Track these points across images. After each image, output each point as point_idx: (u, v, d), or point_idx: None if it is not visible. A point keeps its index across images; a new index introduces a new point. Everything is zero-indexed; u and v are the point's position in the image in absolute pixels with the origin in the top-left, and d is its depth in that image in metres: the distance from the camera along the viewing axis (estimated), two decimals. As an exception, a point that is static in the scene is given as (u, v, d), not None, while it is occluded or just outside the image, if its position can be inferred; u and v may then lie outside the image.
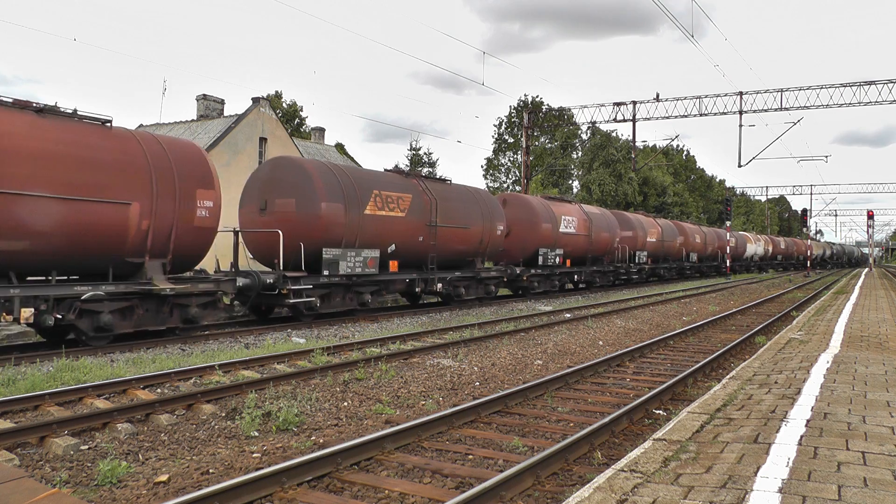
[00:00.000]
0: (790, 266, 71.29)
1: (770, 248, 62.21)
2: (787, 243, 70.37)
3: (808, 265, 59.60)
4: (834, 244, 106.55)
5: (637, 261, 32.76)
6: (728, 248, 45.94)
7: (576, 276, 26.97)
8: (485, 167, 68.89)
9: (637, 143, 37.20)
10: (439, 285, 18.38)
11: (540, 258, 23.78)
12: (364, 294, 16.17)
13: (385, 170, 18.26)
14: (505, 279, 22.04)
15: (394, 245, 16.73)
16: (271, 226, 14.74)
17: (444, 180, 20.02)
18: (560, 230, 25.01)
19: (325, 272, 14.76)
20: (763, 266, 61.56)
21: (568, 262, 25.70)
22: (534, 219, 23.75)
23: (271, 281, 13.92)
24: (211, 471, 5.55)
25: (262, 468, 5.36)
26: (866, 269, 63.43)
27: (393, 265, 16.87)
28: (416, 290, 17.71)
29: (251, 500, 4.79)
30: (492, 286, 21.19)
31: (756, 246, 56.77)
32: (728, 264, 43.91)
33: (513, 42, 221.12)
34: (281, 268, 14.31)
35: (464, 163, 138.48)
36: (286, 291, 14.03)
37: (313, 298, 14.63)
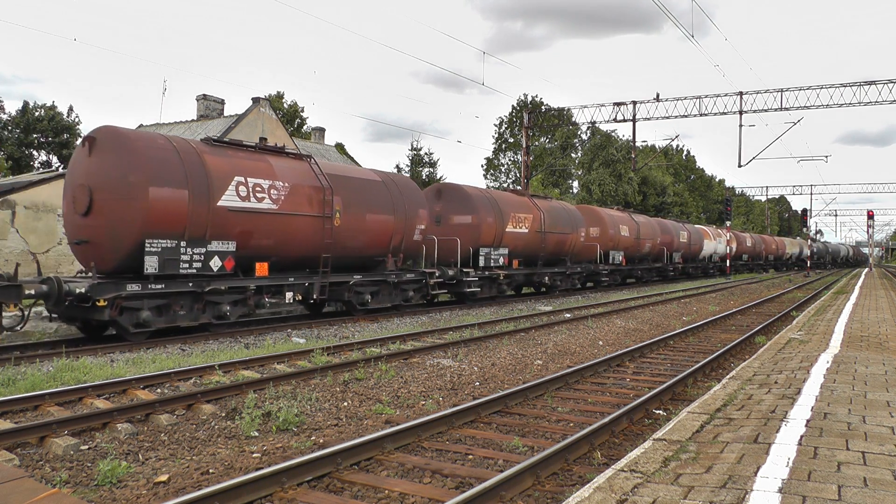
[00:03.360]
0: (757, 268, 60.58)
1: (734, 246, 51.12)
2: (754, 240, 58.04)
3: (808, 265, 59.53)
4: (815, 242, 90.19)
5: (487, 264, 20.47)
6: (676, 244, 37.30)
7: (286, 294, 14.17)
8: (485, 167, 69.04)
9: (637, 143, 37.14)
10: None
11: (146, 260, 11.58)
12: None
13: None
14: None
15: None
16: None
17: None
18: (222, 202, 12.57)
19: None
20: (724, 268, 49.41)
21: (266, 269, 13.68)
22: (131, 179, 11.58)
23: None
24: (211, 471, 5.55)
25: (262, 468, 5.36)
26: (866, 270, 63.46)
27: None
28: None
29: (251, 500, 4.79)
30: None
31: (715, 243, 46.55)
32: (728, 264, 43.13)
33: (514, 40, 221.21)
34: None
35: (464, 163, 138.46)
36: None
37: None
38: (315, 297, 14.78)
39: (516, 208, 22.42)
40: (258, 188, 13.35)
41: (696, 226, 46.54)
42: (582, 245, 26.69)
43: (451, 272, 18.77)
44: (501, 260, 21.26)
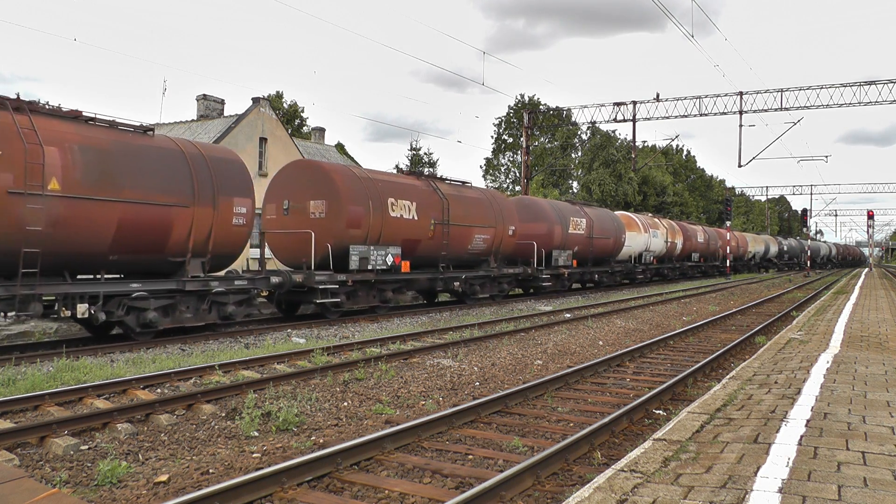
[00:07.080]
0: (711, 271, 45.94)
1: (680, 243, 37.76)
2: (707, 235, 43.78)
3: (808, 265, 59.40)
4: (783, 240, 73.90)
5: None
6: (560, 237, 24.06)
7: None
8: (484, 167, 69.03)
9: (637, 143, 37.06)
10: None
11: None
12: None
13: None
14: None
15: None
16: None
17: None
18: None
19: None
20: (662, 271, 36.99)
21: None
22: None
23: None
24: (211, 471, 5.55)
25: (262, 468, 5.36)
26: (866, 270, 63.46)
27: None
28: None
29: (251, 500, 4.78)
30: None
31: (647, 237, 33.39)
32: (729, 264, 42.89)
33: (516, 39, 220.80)
34: None
35: (464, 162, 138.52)
36: None
37: None
38: None
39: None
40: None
41: (618, 212, 34.23)
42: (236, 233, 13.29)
43: None
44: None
